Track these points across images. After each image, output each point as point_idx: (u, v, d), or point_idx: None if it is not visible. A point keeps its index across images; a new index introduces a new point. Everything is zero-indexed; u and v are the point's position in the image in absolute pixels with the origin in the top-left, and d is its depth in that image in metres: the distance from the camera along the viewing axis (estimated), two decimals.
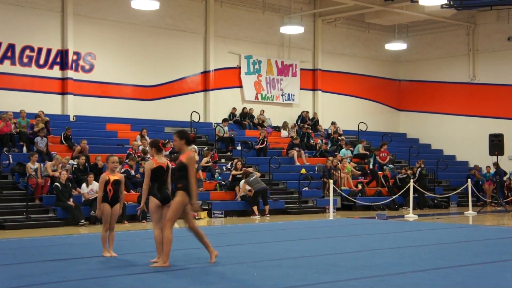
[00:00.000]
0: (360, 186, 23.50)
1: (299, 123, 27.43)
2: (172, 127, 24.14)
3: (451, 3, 24.18)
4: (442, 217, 20.39)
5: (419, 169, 24.16)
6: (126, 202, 16.98)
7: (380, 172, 24.26)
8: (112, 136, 22.09)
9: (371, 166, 24.36)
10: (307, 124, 27.16)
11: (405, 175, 23.67)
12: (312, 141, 26.08)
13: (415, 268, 9.18)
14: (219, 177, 21.00)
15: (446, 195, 24.53)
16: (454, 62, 30.38)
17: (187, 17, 25.27)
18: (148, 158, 19.93)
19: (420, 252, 11.00)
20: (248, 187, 20.01)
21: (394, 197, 22.49)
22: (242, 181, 20.05)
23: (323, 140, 26.05)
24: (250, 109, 26.71)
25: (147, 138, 21.10)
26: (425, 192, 23.42)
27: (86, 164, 18.59)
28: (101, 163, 18.62)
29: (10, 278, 8.48)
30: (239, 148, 23.45)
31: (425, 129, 31.22)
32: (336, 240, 13.25)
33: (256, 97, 27.24)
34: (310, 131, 26.62)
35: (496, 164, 24.62)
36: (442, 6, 24.47)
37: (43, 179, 17.39)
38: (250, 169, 20.63)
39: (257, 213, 19.63)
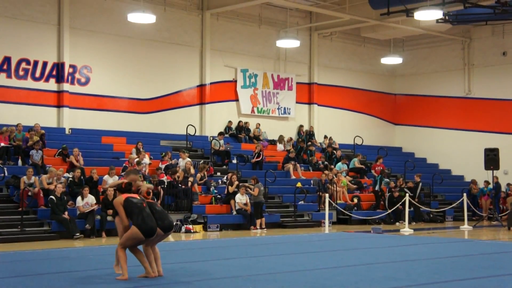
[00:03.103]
0: (355, 200, 23.51)
1: (302, 137, 27.48)
2: (168, 140, 24.17)
3: (447, 17, 24.34)
4: (438, 231, 20.41)
5: (420, 183, 24.18)
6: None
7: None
8: (108, 149, 22.08)
9: (377, 188, 24.16)
10: (310, 142, 27.25)
11: (398, 188, 23.65)
12: (314, 158, 26.00)
13: (410, 283, 9.19)
14: (215, 191, 21.00)
15: (441, 209, 24.55)
16: (449, 77, 30.52)
17: (183, 31, 25.37)
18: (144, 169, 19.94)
19: (415, 267, 11.01)
20: (244, 201, 20.05)
21: (390, 211, 22.52)
22: (253, 187, 20.36)
23: (323, 160, 26.03)
24: (246, 123, 26.76)
25: (142, 151, 21.12)
26: (421, 206, 23.45)
27: (82, 177, 18.56)
28: (97, 176, 18.62)
29: None
30: (235, 161, 23.46)
31: (420, 143, 31.29)
32: (331, 254, 13.25)
33: (252, 111, 27.29)
34: (313, 148, 26.60)
35: (496, 178, 24.73)
36: (437, 21, 24.62)
37: (31, 189, 17.27)
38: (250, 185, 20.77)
39: (258, 227, 19.71)
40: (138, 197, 9.42)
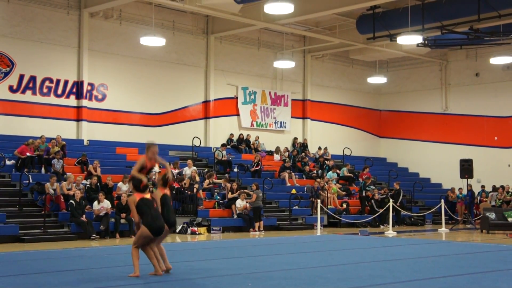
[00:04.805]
0: (344, 205, 23.49)
1: (296, 149, 27.55)
2: (176, 151, 24.16)
3: (426, 42, 24.42)
4: (418, 234, 20.38)
5: (400, 190, 24.19)
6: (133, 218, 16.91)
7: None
8: (122, 159, 22.07)
9: (363, 194, 24.12)
10: (304, 153, 27.28)
11: (384, 195, 23.71)
12: (308, 167, 26.04)
13: (394, 280, 9.18)
14: (218, 196, 20.98)
15: (421, 214, 24.52)
16: (428, 95, 30.59)
17: (190, 53, 25.43)
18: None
19: (398, 265, 11.01)
20: (243, 204, 20.03)
21: (376, 215, 22.50)
22: (251, 192, 20.36)
23: (317, 169, 26.03)
24: (247, 135, 26.79)
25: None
26: (402, 211, 23.43)
27: (98, 184, 18.57)
28: (111, 183, 18.63)
29: (27, 286, 8.46)
30: (236, 170, 23.47)
31: (403, 154, 31.30)
32: (323, 254, 13.23)
33: (252, 125, 27.31)
34: (306, 159, 26.62)
35: (470, 186, 24.80)
36: (418, 45, 24.69)
37: (54, 196, 17.29)
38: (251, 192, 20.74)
39: (256, 229, 19.67)
40: (150, 198, 9.40)
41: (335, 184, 24.64)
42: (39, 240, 15.71)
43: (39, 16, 21.51)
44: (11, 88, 20.96)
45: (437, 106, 30.29)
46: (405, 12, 21.89)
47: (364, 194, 23.99)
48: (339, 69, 30.60)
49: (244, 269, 10.29)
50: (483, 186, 26.39)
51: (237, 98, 26.88)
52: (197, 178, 20.83)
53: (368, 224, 22.54)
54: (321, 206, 20.02)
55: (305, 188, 23.90)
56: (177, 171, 21.30)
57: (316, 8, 22.10)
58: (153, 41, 21.58)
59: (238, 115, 26.95)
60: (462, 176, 23.49)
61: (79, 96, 22.34)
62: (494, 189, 25.67)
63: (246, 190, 21.15)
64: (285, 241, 16.66)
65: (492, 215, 20.68)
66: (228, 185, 21.07)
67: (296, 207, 22.18)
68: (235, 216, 20.14)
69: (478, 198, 26.00)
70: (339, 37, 25.98)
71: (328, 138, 29.63)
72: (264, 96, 27.73)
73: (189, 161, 21.78)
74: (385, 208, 21.63)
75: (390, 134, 31.94)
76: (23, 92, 21.20)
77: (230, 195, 20.57)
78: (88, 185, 18.49)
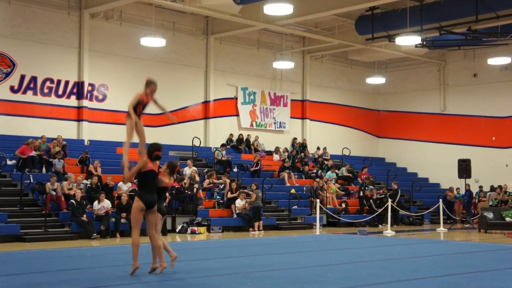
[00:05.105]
0: (343, 205, 23.50)
1: (296, 149, 27.58)
2: (176, 151, 24.17)
3: (424, 43, 24.45)
4: (417, 233, 20.39)
5: (398, 190, 24.21)
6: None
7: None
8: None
9: (361, 194, 24.11)
10: (303, 153, 27.30)
11: (383, 195, 23.72)
12: (307, 167, 26.06)
13: (392, 279, 9.19)
14: (217, 196, 21.00)
15: (420, 214, 24.54)
16: (427, 95, 30.60)
17: (190, 53, 25.44)
18: None
19: (397, 265, 11.02)
20: (242, 203, 20.05)
21: (374, 215, 22.51)
22: (251, 192, 20.37)
23: (317, 169, 26.03)
24: (246, 135, 26.80)
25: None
26: (400, 210, 23.45)
27: (98, 184, 18.58)
28: (112, 183, 18.63)
29: (28, 285, 8.48)
30: (235, 170, 23.48)
31: (401, 154, 31.32)
32: (322, 254, 13.25)
33: (251, 125, 27.33)
34: (306, 159, 26.64)
35: (468, 186, 24.83)
36: (416, 46, 24.73)
37: (56, 195, 17.31)
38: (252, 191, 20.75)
39: (256, 229, 19.68)
40: (156, 171, 9.44)
41: (334, 184, 24.65)
42: (40, 239, 15.72)
43: (40, 17, 21.53)
44: (12, 89, 20.97)
45: (435, 107, 30.31)
46: (404, 13, 21.90)
47: (362, 194, 23.99)
48: (338, 70, 30.61)
49: (243, 268, 10.30)
50: (481, 186, 26.42)
51: (236, 98, 26.88)
52: (197, 178, 20.84)
53: (366, 223, 22.55)
54: (320, 206, 20.03)
55: (304, 188, 23.91)
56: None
57: (315, 9, 22.12)
58: (153, 41, 21.59)
59: (237, 115, 26.96)
60: (460, 176, 23.51)
61: (79, 96, 22.34)
62: (492, 189, 25.69)
63: (245, 190, 21.17)
64: (284, 240, 16.67)
65: (490, 215, 20.70)
66: (228, 181, 21.08)
67: (295, 206, 22.18)
68: (235, 216, 20.15)
69: (476, 198, 26.02)
70: (338, 38, 25.99)
71: (327, 138, 29.65)
72: (264, 96, 27.74)
73: (189, 161, 21.85)
74: (383, 207, 21.65)
75: (389, 134, 31.95)
76: (24, 92, 21.20)
77: (229, 195, 20.59)
78: (88, 185, 18.50)
